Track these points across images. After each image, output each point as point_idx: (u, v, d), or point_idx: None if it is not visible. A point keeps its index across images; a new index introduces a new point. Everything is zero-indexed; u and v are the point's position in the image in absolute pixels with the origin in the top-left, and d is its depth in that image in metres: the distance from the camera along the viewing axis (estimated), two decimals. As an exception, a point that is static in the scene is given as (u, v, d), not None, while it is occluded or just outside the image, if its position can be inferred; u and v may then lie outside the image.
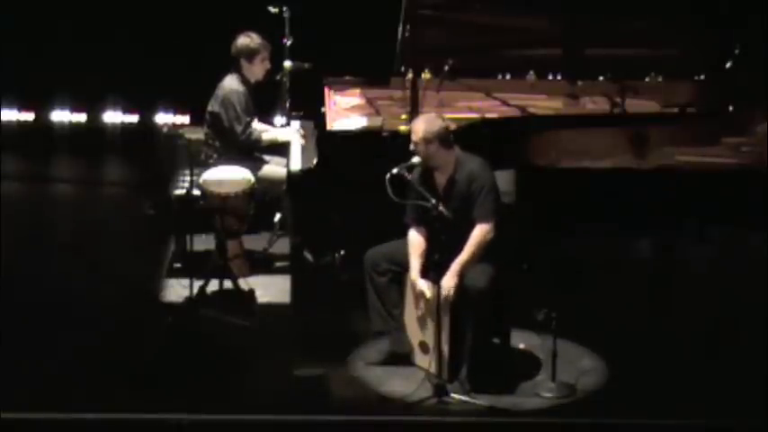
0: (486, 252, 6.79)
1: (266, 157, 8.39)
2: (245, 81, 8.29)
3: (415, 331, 6.91)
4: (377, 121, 8.03)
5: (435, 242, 6.76)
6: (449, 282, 6.70)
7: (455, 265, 6.74)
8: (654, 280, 8.10)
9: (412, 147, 6.85)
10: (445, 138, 6.85)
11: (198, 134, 8.10)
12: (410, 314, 6.94)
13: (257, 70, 8.32)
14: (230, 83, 8.26)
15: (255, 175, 8.05)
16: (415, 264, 6.84)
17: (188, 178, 7.88)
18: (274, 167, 8.30)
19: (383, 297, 6.96)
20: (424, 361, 6.82)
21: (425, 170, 6.91)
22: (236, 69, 8.30)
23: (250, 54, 8.28)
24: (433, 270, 6.72)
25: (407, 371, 6.90)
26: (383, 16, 7.99)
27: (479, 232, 6.79)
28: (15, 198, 9.94)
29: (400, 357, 6.95)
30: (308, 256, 7.91)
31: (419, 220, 6.85)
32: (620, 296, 7.80)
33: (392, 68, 8.09)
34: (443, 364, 6.67)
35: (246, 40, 8.28)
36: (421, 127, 6.85)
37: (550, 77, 8.49)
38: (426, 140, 6.82)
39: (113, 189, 10.65)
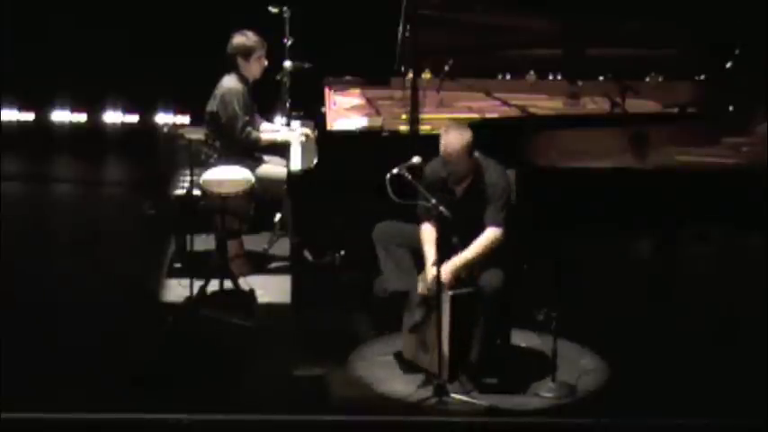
0: (497, 255, 6.80)
1: (266, 157, 8.40)
2: (243, 80, 8.30)
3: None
4: (377, 121, 8.03)
5: (441, 240, 6.77)
6: (446, 274, 6.71)
7: (457, 260, 6.75)
8: (654, 280, 8.10)
9: (449, 165, 6.82)
10: (473, 147, 6.87)
11: (198, 134, 8.09)
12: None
13: (254, 68, 8.32)
14: (229, 82, 8.26)
15: (256, 175, 8.06)
16: (430, 252, 6.82)
17: (188, 178, 7.88)
18: (274, 167, 8.30)
19: (397, 258, 6.94)
20: (425, 361, 6.82)
21: (446, 175, 6.91)
22: (234, 68, 8.30)
23: (246, 52, 8.28)
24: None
25: (407, 371, 6.91)
26: (383, 16, 7.99)
27: (490, 235, 6.79)
28: (15, 198, 9.95)
29: (429, 310, 6.83)
30: (308, 256, 7.91)
31: (430, 213, 6.85)
32: (620, 296, 7.80)
33: (392, 68, 8.09)
34: (443, 364, 6.67)
35: (242, 38, 8.29)
36: (458, 141, 6.80)
37: (550, 77, 8.49)
38: (468, 152, 6.81)
39: (113, 189, 10.65)
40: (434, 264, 6.69)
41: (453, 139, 6.82)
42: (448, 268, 6.74)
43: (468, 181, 6.90)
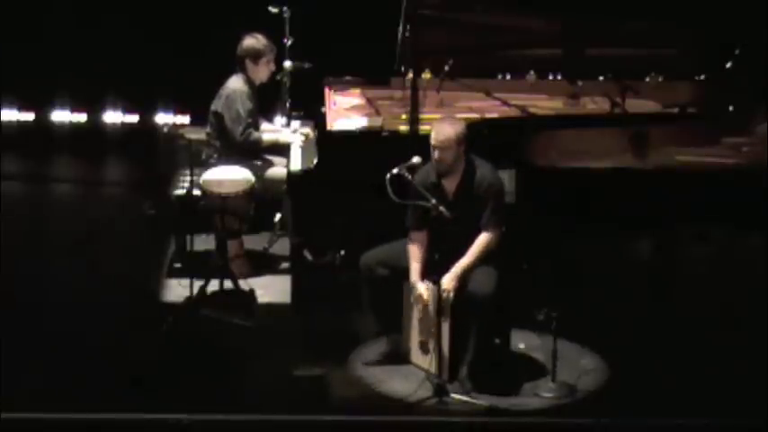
0: (490, 256, 6.80)
1: (267, 158, 8.39)
2: (249, 82, 8.29)
3: (416, 331, 6.91)
4: (377, 121, 8.03)
5: (436, 242, 6.76)
6: (449, 283, 6.70)
7: (457, 268, 6.74)
8: (654, 280, 8.09)
9: (437, 152, 6.80)
10: (466, 139, 6.87)
11: (198, 134, 8.10)
12: (409, 315, 6.93)
13: (262, 72, 8.32)
14: (235, 83, 8.26)
15: (256, 175, 8.06)
16: (414, 267, 6.84)
17: (188, 178, 7.88)
18: (275, 167, 8.30)
19: (379, 299, 6.96)
20: (425, 361, 6.82)
21: (436, 172, 6.89)
22: (242, 70, 8.30)
23: (256, 55, 8.28)
24: (434, 270, 6.72)
25: (407, 371, 6.91)
26: (383, 16, 7.98)
27: (486, 240, 6.79)
28: (15, 198, 9.95)
29: (398, 357, 6.96)
30: (308, 256, 7.91)
31: (420, 223, 6.85)
32: (620, 296, 7.80)
33: (392, 68, 8.09)
34: (443, 364, 6.67)
35: (252, 41, 8.28)
36: (450, 129, 6.81)
37: (550, 77, 8.49)
38: (458, 142, 6.80)
39: (113, 189, 10.65)
40: (422, 278, 6.76)
41: (446, 128, 6.83)
42: (450, 278, 6.73)
43: (458, 179, 6.88)
